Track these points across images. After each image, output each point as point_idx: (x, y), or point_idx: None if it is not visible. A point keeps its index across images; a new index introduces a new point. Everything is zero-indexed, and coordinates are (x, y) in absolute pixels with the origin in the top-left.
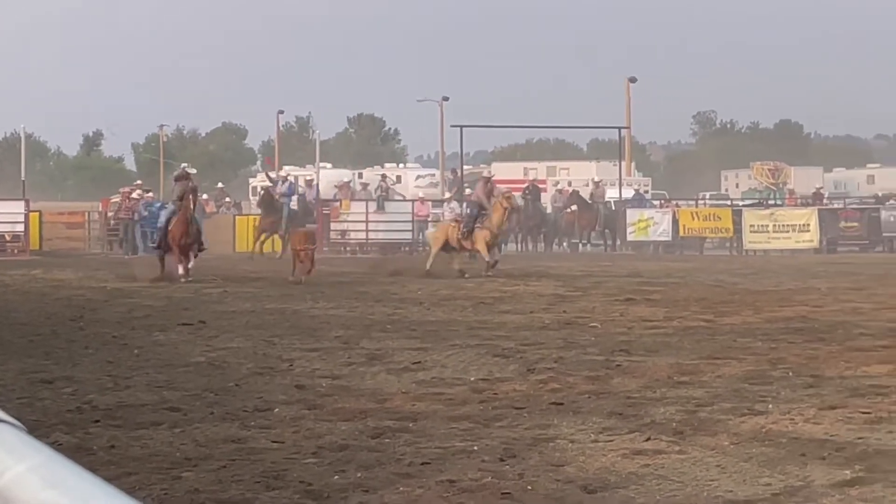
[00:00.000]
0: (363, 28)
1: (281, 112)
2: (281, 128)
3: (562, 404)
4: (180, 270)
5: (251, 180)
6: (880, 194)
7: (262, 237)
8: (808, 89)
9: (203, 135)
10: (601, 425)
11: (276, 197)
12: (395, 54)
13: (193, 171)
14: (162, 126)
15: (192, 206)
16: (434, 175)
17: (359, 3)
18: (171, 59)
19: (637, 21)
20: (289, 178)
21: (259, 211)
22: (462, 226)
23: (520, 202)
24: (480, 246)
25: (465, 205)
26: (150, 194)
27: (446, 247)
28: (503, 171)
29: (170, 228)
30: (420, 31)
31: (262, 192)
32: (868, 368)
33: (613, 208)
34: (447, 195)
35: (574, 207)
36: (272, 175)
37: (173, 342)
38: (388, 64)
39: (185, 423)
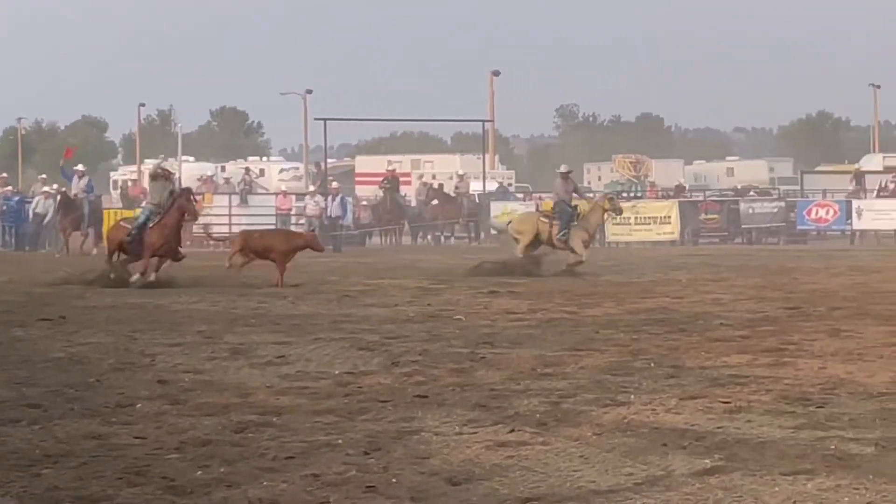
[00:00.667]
0: (225, 20)
1: (142, 105)
2: (142, 121)
3: (426, 397)
4: (151, 276)
5: (112, 174)
6: (739, 187)
7: (65, 235)
8: (669, 83)
9: (62, 128)
10: (465, 417)
11: (75, 194)
12: (258, 47)
13: (167, 165)
14: (20, 119)
15: (194, 211)
16: (298, 168)
17: None
18: (30, 52)
19: (500, 14)
20: (86, 173)
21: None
22: (560, 226)
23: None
24: (577, 245)
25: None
26: (9, 188)
27: (533, 242)
28: (367, 165)
29: (150, 228)
30: (283, 24)
31: (59, 194)
32: (727, 359)
33: (477, 201)
34: (311, 188)
35: (435, 202)
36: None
37: (32, 338)
38: (251, 57)
39: (44, 420)
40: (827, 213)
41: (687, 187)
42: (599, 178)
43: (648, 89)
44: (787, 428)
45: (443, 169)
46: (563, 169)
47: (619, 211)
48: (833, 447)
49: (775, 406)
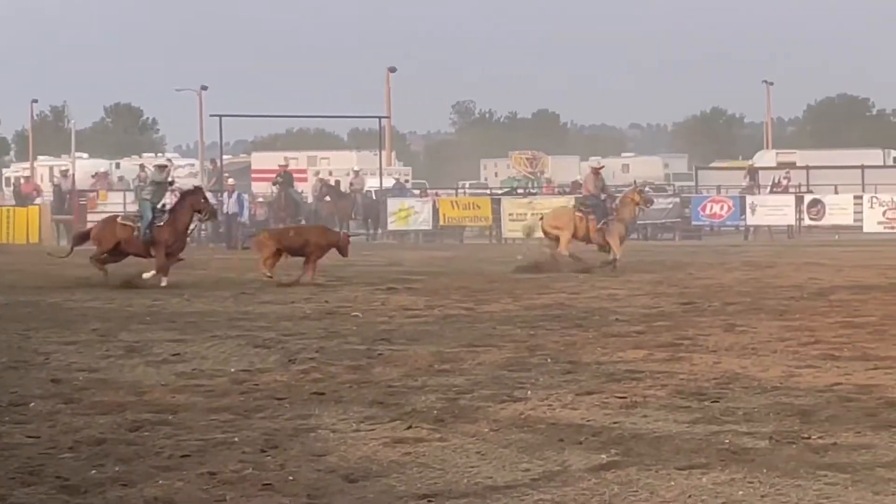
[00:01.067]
0: (119, 17)
1: (35, 101)
2: (35, 117)
3: (323, 394)
4: (163, 282)
5: (4, 171)
6: (635, 182)
7: None
8: (564, 79)
9: None
10: (363, 414)
11: None
12: (152, 43)
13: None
14: None
15: (212, 210)
16: (193, 165)
17: None
18: None
19: (396, 10)
20: None
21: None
22: (598, 220)
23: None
24: (614, 241)
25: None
26: None
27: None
28: (263, 161)
29: (160, 226)
30: (178, 20)
31: None
32: (623, 354)
33: (374, 197)
34: (205, 185)
35: (327, 198)
36: None
37: None
38: (146, 53)
39: None
40: (721, 208)
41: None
42: (496, 175)
43: (545, 86)
44: (682, 422)
45: (339, 165)
46: (594, 164)
47: (651, 202)
48: (728, 441)
49: (671, 401)
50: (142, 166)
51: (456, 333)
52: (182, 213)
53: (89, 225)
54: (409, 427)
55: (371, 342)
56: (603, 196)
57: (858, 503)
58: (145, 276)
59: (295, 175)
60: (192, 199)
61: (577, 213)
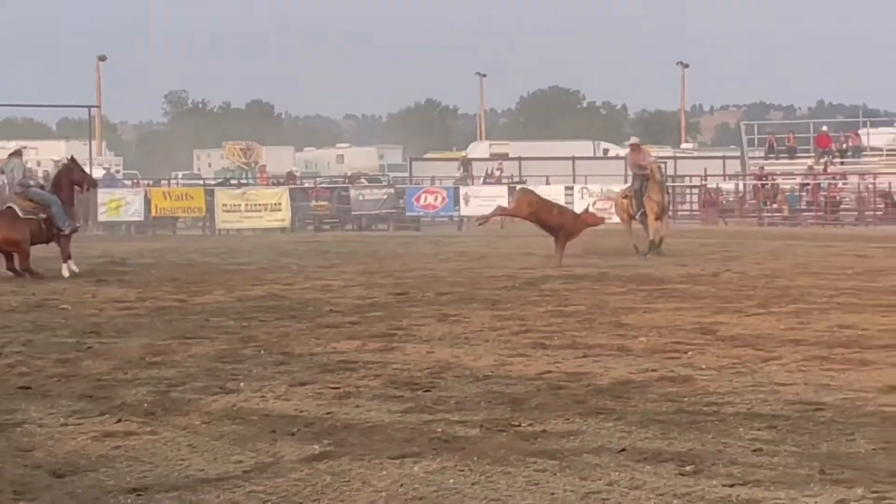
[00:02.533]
0: None
1: None
2: None
3: (30, 388)
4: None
5: None
6: (350, 174)
7: None
8: (278, 69)
9: None
10: (71, 409)
11: None
12: None
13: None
14: None
15: (92, 180)
16: None
17: None
18: None
19: None
20: None
21: None
22: (636, 205)
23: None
24: (651, 221)
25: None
26: None
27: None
28: None
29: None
30: None
31: None
32: (337, 345)
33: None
34: None
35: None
36: None
37: None
38: None
39: None
40: (435, 199)
41: (298, 174)
42: (210, 165)
43: (258, 76)
44: (395, 412)
45: (48, 155)
46: (632, 140)
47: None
48: (440, 430)
49: (384, 391)
50: None
51: (168, 325)
52: (66, 192)
53: None
54: (119, 420)
55: (80, 335)
56: (646, 171)
57: (566, 489)
58: (73, 269)
59: None
60: (75, 176)
61: (623, 200)
